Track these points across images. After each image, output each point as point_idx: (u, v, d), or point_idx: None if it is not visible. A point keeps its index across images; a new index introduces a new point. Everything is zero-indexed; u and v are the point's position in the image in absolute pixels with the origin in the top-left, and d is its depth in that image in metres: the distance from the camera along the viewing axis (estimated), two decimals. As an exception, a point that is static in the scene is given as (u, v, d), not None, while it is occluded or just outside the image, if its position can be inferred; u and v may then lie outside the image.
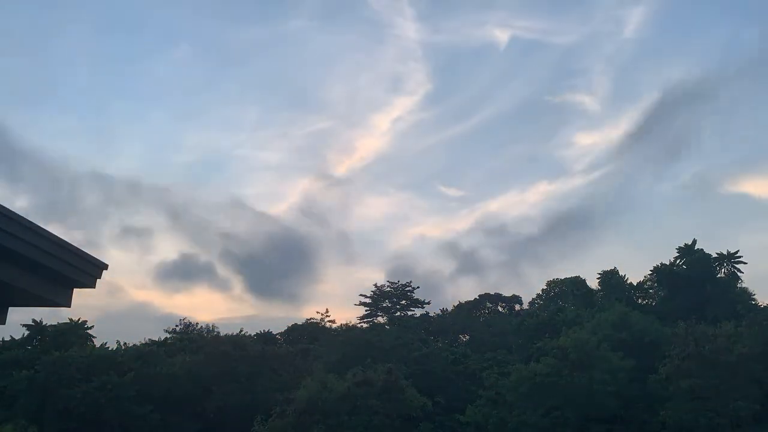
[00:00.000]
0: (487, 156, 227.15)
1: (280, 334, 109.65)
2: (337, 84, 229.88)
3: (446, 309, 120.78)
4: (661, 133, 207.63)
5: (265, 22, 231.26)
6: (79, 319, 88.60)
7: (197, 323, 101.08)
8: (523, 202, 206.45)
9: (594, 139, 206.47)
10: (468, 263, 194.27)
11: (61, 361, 72.77)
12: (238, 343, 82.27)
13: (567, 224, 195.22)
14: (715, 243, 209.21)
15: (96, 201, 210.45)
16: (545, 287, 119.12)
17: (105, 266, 6.96)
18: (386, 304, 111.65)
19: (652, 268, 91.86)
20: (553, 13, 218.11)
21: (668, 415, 58.19)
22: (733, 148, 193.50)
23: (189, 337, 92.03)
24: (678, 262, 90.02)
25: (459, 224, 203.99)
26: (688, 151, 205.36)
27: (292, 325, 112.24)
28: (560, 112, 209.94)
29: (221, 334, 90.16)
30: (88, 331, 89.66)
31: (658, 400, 60.12)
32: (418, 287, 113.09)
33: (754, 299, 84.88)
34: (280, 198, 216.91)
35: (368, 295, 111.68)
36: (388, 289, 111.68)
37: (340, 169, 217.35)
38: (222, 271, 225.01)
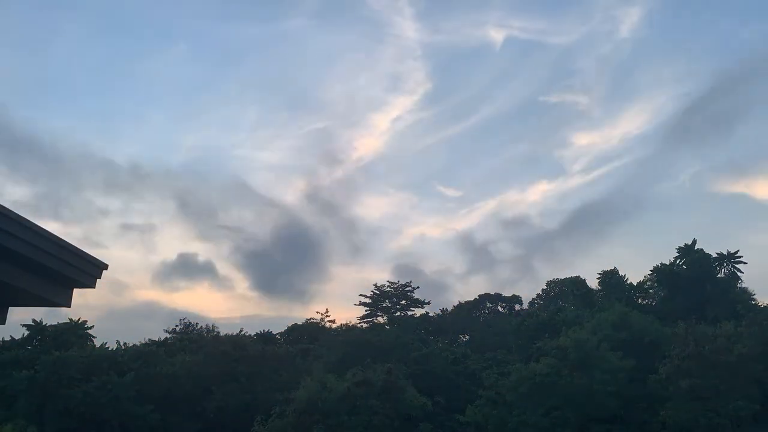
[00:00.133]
0: (486, 155, 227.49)
1: (280, 334, 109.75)
2: (337, 83, 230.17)
3: (446, 309, 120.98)
4: (660, 132, 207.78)
5: (264, 21, 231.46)
6: (79, 319, 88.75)
7: (197, 323, 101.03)
8: (522, 202, 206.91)
9: (593, 139, 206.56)
10: (466, 264, 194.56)
11: (61, 361, 72.79)
12: (238, 343, 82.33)
13: (567, 224, 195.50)
14: (715, 243, 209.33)
15: (95, 199, 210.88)
16: (545, 287, 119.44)
17: (105, 266, 6.97)
18: (386, 304, 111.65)
19: (652, 268, 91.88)
20: (550, 13, 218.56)
21: (668, 415, 58.20)
22: (733, 148, 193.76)
23: (189, 337, 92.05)
24: (678, 262, 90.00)
25: (458, 224, 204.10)
26: (688, 151, 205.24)
27: (292, 325, 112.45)
28: (558, 112, 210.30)
29: (221, 334, 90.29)
30: (88, 331, 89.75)
31: (658, 400, 60.12)
32: (418, 287, 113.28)
33: (754, 299, 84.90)
34: (279, 198, 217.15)
35: (368, 295, 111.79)
36: (388, 289, 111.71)
37: (340, 168, 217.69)
38: (223, 269, 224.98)
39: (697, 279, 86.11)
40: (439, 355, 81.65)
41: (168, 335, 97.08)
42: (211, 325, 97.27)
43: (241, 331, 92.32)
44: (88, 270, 6.81)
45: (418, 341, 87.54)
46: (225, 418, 73.01)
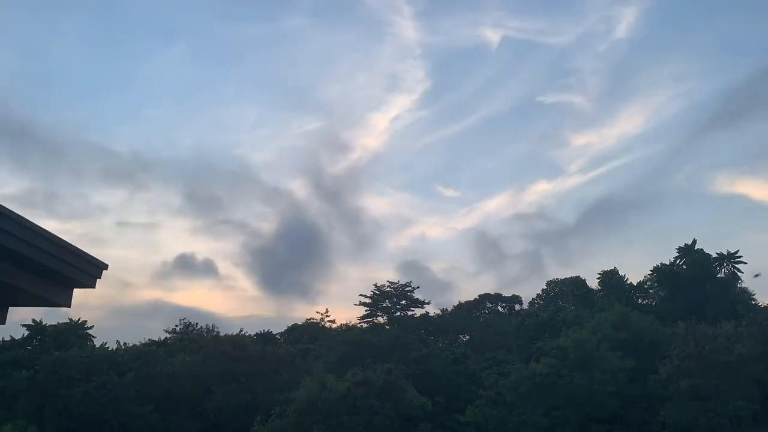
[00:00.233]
0: (484, 155, 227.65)
1: (280, 334, 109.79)
2: (335, 82, 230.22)
3: (446, 309, 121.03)
4: (660, 132, 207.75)
5: (262, 20, 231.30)
6: (79, 319, 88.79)
7: (197, 323, 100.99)
8: (521, 202, 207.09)
9: (591, 139, 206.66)
10: (465, 263, 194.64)
11: (61, 361, 72.80)
12: (238, 343, 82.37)
13: (567, 223, 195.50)
14: (715, 243, 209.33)
15: (94, 195, 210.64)
16: (545, 287, 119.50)
17: (105, 266, 6.97)
18: (386, 304, 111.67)
19: (652, 268, 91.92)
20: (547, 14, 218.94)
21: (668, 415, 58.18)
22: (733, 148, 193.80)
23: (189, 337, 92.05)
24: (678, 262, 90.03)
25: (458, 223, 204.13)
26: (688, 151, 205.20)
27: (292, 325, 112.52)
28: (555, 112, 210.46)
29: (221, 334, 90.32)
30: (88, 331, 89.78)
31: (658, 400, 60.11)
32: (418, 287, 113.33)
33: (754, 299, 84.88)
34: (278, 198, 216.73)
35: (368, 295, 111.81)
36: (388, 289, 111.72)
37: (339, 167, 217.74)
38: (223, 267, 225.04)
39: (697, 279, 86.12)
40: (439, 355, 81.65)
41: (168, 335, 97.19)
42: (211, 325, 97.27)
43: (241, 331, 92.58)
44: (88, 270, 6.82)
45: (418, 341, 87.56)
46: (225, 418, 73.02)
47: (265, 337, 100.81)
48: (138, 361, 78.34)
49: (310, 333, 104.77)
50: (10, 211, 5.71)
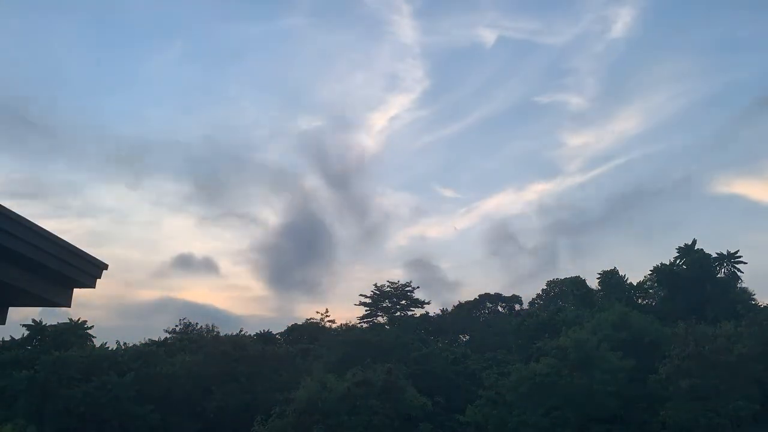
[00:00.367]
0: (483, 155, 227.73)
1: (280, 334, 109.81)
2: (334, 82, 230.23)
3: (446, 309, 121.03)
4: (658, 132, 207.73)
5: (260, 19, 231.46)
6: (79, 319, 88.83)
7: (197, 323, 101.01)
8: (519, 201, 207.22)
9: (589, 139, 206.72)
10: (465, 264, 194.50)
11: (61, 361, 72.81)
12: (238, 343, 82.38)
13: (567, 223, 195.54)
14: (715, 243, 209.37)
15: (95, 196, 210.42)
16: (545, 287, 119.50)
17: (105, 266, 6.97)
18: (386, 304, 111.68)
19: (652, 268, 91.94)
20: (543, 14, 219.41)
21: (668, 415, 58.18)
22: (733, 148, 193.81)
23: (189, 337, 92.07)
24: (678, 262, 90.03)
25: (457, 223, 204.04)
26: (688, 151, 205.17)
27: (292, 325, 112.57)
28: (552, 112, 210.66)
29: (221, 334, 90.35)
30: (88, 330, 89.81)
31: (658, 400, 60.11)
32: (418, 287, 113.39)
33: (754, 299, 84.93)
34: (277, 197, 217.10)
35: (368, 295, 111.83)
36: (388, 289, 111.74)
37: (339, 167, 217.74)
38: (223, 266, 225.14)
39: (697, 279, 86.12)
40: (439, 355, 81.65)
41: (168, 335, 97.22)
42: (211, 325, 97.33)
43: (241, 330, 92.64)
44: (88, 270, 6.82)
45: (418, 341, 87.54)
46: (225, 418, 73.03)
47: (265, 337, 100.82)
48: (138, 361, 78.36)
49: (310, 333, 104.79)
50: (10, 211, 5.71)
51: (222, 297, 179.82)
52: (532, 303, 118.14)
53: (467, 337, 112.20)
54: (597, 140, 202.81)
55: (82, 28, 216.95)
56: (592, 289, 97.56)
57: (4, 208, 5.66)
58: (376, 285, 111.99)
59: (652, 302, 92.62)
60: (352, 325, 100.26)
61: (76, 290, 7.03)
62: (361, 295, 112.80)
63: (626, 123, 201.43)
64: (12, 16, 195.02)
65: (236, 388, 74.31)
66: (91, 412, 69.74)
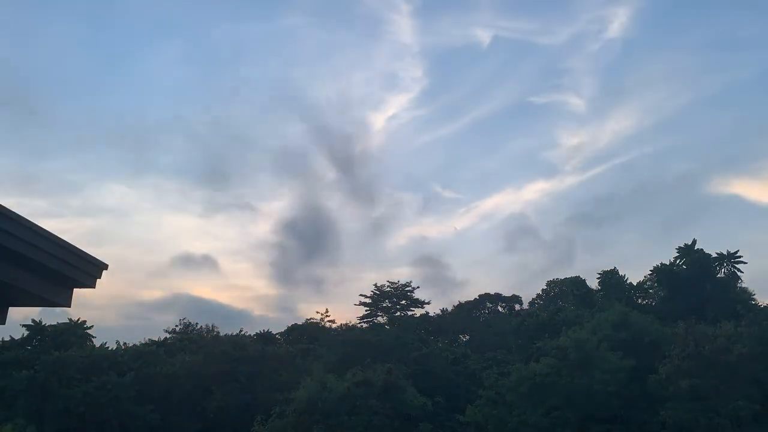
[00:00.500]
0: (483, 154, 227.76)
1: (280, 334, 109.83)
2: (333, 81, 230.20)
3: (446, 309, 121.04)
4: (657, 131, 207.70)
5: (259, 19, 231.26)
6: (78, 319, 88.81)
7: (197, 323, 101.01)
8: (517, 201, 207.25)
9: (587, 139, 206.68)
10: (464, 264, 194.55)
11: (60, 361, 72.81)
12: (238, 343, 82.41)
13: (566, 223, 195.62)
14: (715, 243, 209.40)
15: (94, 195, 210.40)
16: (545, 287, 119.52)
17: (105, 266, 6.97)
18: (386, 304, 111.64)
19: (652, 268, 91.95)
20: (540, 14, 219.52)
21: (668, 415, 58.16)
22: (733, 148, 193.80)
23: (189, 337, 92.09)
24: (678, 262, 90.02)
25: (457, 223, 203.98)
26: (687, 151, 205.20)
27: (292, 325, 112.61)
28: (551, 112, 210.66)
29: (221, 334, 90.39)
30: (87, 330, 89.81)
31: (658, 400, 60.10)
32: (417, 287, 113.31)
33: (754, 299, 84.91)
34: (276, 197, 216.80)
35: (368, 295, 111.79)
36: (388, 289, 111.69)
37: (338, 166, 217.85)
38: (224, 264, 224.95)
39: (697, 279, 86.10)
40: (439, 355, 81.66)
41: (168, 335, 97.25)
42: (211, 325, 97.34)
43: (240, 330, 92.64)
44: (88, 270, 6.82)
45: (418, 341, 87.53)
46: (225, 418, 73.04)
47: (265, 337, 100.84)
48: (138, 361, 78.37)
49: (310, 333, 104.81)
50: (10, 210, 5.71)
51: (225, 294, 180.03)
52: (532, 303, 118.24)
53: (467, 337, 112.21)
54: (595, 140, 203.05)
55: (82, 27, 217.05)
56: (592, 289, 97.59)
57: (4, 207, 5.65)
58: (375, 285, 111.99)
59: (652, 302, 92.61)
60: (352, 325, 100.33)
61: (76, 290, 7.04)
62: (361, 295, 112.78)
63: (624, 123, 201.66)
64: (13, 14, 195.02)
65: (236, 388, 74.33)
66: (91, 412, 69.76)
